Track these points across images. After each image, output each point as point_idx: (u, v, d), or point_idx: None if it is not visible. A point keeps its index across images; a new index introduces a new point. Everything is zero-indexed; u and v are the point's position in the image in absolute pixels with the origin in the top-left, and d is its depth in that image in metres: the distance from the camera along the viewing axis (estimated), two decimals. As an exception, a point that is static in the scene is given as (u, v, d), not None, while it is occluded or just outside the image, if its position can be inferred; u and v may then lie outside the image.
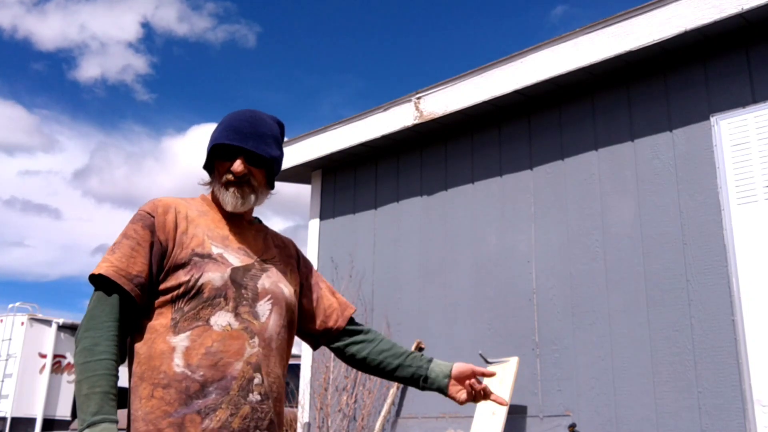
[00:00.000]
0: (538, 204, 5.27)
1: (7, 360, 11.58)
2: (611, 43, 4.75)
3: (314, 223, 6.83)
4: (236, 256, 1.75)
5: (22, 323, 11.66)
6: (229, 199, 1.77)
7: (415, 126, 5.85)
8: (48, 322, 11.90)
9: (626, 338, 4.60)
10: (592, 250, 4.89)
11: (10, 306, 12.17)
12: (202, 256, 1.70)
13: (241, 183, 1.77)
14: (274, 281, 1.79)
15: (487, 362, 5.09)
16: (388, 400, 5.64)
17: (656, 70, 4.86)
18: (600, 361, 4.68)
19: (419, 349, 5.71)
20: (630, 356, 4.56)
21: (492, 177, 5.61)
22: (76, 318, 12.33)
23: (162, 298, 1.68)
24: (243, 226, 1.85)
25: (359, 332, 1.98)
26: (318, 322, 1.94)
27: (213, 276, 1.68)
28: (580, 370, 4.76)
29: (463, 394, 1.94)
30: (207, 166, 1.86)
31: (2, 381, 11.56)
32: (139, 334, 1.68)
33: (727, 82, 4.52)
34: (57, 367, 11.81)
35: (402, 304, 5.92)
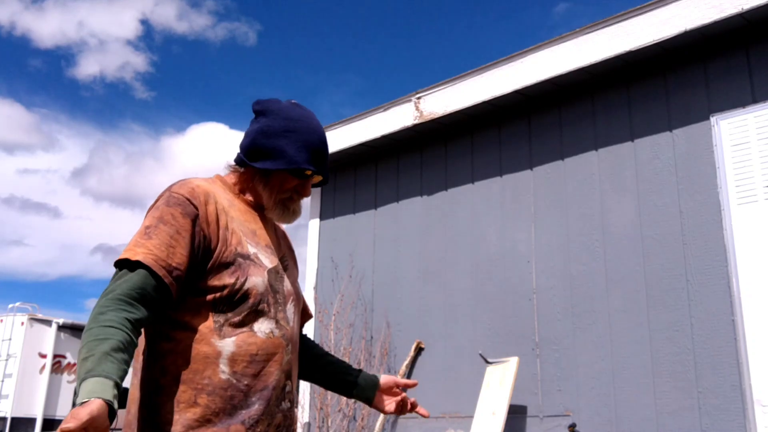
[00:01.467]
0: (538, 204, 5.27)
1: (7, 360, 11.59)
2: (611, 43, 4.75)
3: (314, 223, 6.83)
4: (266, 255, 1.67)
5: (22, 323, 11.67)
6: (286, 215, 1.73)
7: (415, 126, 5.85)
8: (48, 322, 11.90)
9: (626, 338, 4.60)
10: (592, 250, 4.89)
11: (10, 306, 12.18)
12: (243, 256, 1.60)
13: (299, 199, 1.74)
14: (292, 281, 1.75)
15: (487, 362, 5.09)
16: (388, 400, 5.64)
17: (656, 70, 4.86)
18: (600, 361, 4.68)
19: (419, 349, 5.71)
20: (630, 356, 4.56)
21: (492, 177, 5.61)
22: (76, 318, 12.33)
23: (202, 297, 1.55)
24: (263, 218, 1.75)
25: (309, 344, 1.94)
26: None
27: (257, 280, 1.60)
28: (580, 370, 4.76)
29: (391, 406, 1.91)
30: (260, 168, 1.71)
31: (2, 381, 11.56)
32: (172, 329, 1.55)
33: (727, 82, 4.52)
34: (57, 367, 11.81)
35: (402, 304, 5.92)
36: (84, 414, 1.21)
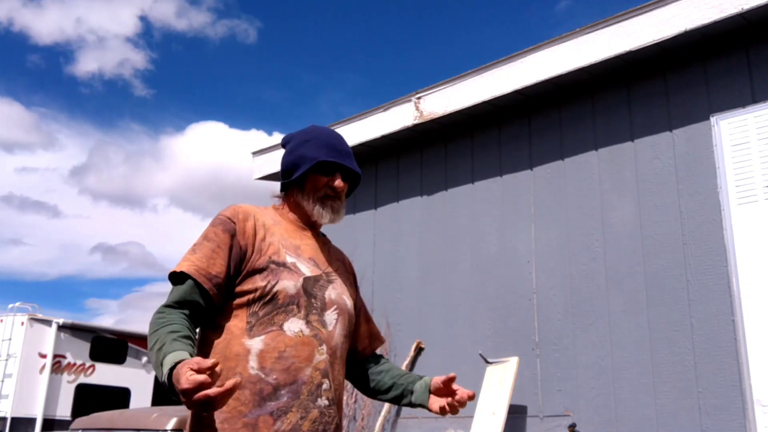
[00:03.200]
0: (538, 204, 5.27)
1: (7, 360, 11.59)
2: (611, 43, 4.75)
3: (314, 223, 6.83)
4: (307, 266, 1.83)
5: (22, 323, 11.67)
6: (327, 213, 1.90)
7: (415, 126, 5.85)
8: (48, 322, 11.90)
9: (626, 338, 4.60)
10: (592, 250, 4.89)
11: (10, 306, 12.18)
12: (278, 264, 1.77)
13: (337, 198, 1.91)
14: (339, 293, 1.89)
15: (487, 362, 5.09)
16: (388, 400, 5.64)
17: (656, 70, 4.86)
18: (600, 361, 4.68)
19: (419, 349, 5.72)
20: (630, 356, 4.56)
21: (492, 177, 5.61)
22: (76, 318, 12.33)
23: (238, 300, 1.74)
24: (313, 237, 1.95)
25: (379, 362, 2.05)
26: (352, 344, 2.02)
27: (287, 284, 1.76)
28: (580, 370, 4.76)
29: (441, 406, 1.94)
30: (293, 181, 1.91)
31: (2, 381, 11.56)
32: (214, 332, 1.74)
33: (727, 82, 4.52)
34: (57, 367, 11.81)
35: (402, 304, 5.92)
36: (185, 370, 1.38)
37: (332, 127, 6.42)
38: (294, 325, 1.74)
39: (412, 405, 1.97)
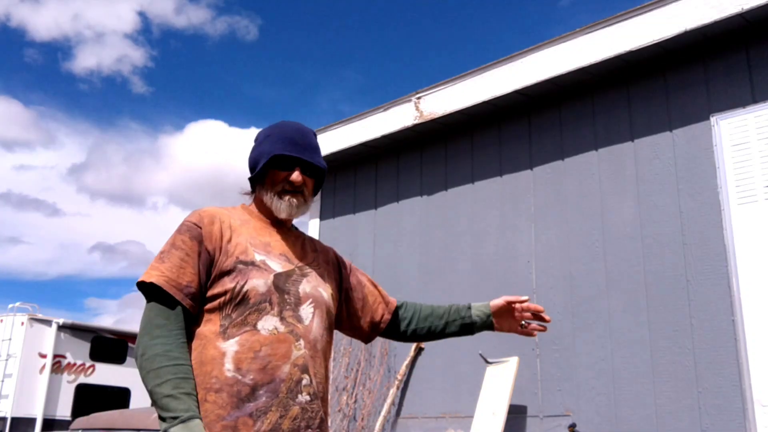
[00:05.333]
0: (538, 204, 5.27)
1: (7, 360, 11.59)
2: (611, 43, 4.75)
3: (314, 223, 6.83)
4: (278, 262, 1.81)
5: (22, 323, 11.67)
6: (285, 207, 1.86)
7: (415, 126, 5.85)
8: (48, 322, 11.90)
9: (626, 338, 4.60)
10: (592, 250, 4.89)
11: (10, 306, 12.18)
12: (245, 263, 1.76)
13: (296, 192, 1.87)
14: (314, 285, 1.86)
15: (487, 362, 5.09)
16: (388, 400, 5.65)
17: (656, 70, 4.86)
18: (600, 361, 4.68)
19: (419, 349, 5.72)
20: (630, 356, 4.56)
21: (492, 177, 5.61)
22: (76, 318, 12.32)
23: (210, 305, 1.73)
24: (283, 232, 1.92)
25: (397, 313, 2.10)
26: (367, 319, 2.05)
27: (257, 282, 1.74)
28: (580, 370, 4.76)
29: (512, 324, 2.11)
30: (255, 177, 1.90)
31: (2, 381, 11.56)
32: (190, 340, 1.73)
33: (727, 82, 4.52)
34: (57, 367, 11.81)
35: (402, 304, 5.92)
36: None
37: (332, 127, 6.42)
38: (268, 323, 1.72)
39: (474, 333, 2.11)
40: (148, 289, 1.71)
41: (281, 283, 1.78)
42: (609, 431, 4.54)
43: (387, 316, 2.06)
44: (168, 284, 1.68)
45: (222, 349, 1.68)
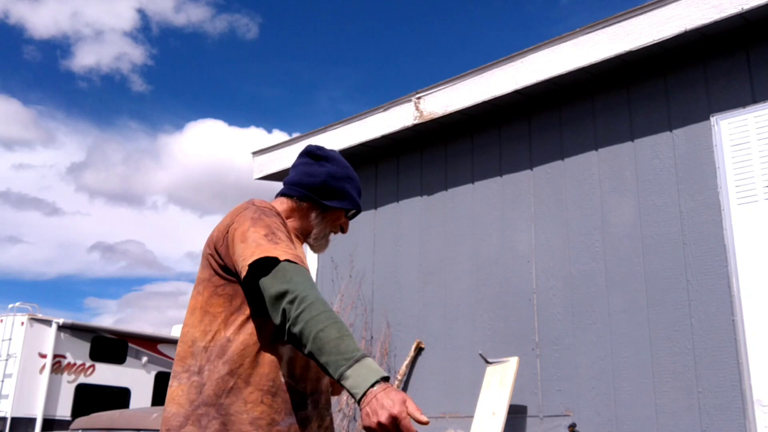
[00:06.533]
0: (538, 204, 5.27)
1: (7, 360, 11.59)
2: (611, 43, 4.75)
3: (314, 223, 6.83)
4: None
5: (22, 323, 11.67)
6: (323, 246, 1.97)
7: (415, 126, 5.85)
8: (48, 322, 11.91)
9: (626, 338, 4.60)
10: (592, 250, 4.90)
11: (10, 306, 12.18)
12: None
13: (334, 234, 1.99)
14: None
15: (487, 362, 5.09)
16: (388, 400, 5.64)
17: (656, 70, 4.86)
18: (600, 361, 4.68)
19: (419, 349, 5.72)
20: (630, 356, 4.56)
21: (492, 177, 5.61)
22: (76, 318, 12.32)
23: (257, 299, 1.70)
24: (301, 246, 1.97)
25: None
26: None
27: None
28: (580, 370, 4.76)
29: None
30: (323, 204, 1.93)
31: (2, 381, 11.57)
32: (243, 327, 1.67)
33: (727, 82, 4.52)
34: (57, 367, 11.81)
35: (402, 304, 5.92)
36: (399, 399, 1.37)
37: (332, 127, 6.43)
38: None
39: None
40: (265, 270, 1.58)
41: None
42: (609, 431, 4.54)
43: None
44: (300, 261, 1.61)
45: (279, 352, 1.67)
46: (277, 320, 1.54)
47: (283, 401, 1.64)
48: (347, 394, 5.97)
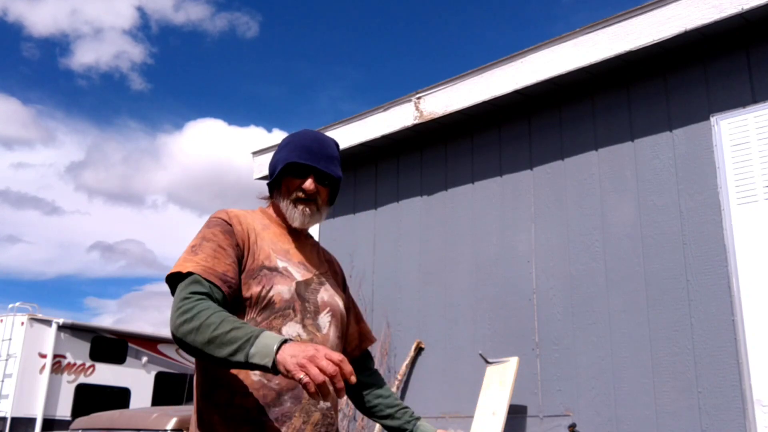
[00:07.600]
0: (538, 204, 5.27)
1: (7, 360, 11.59)
2: (611, 43, 4.75)
3: (314, 223, 6.83)
4: (297, 270, 1.83)
5: (22, 323, 11.67)
6: (298, 216, 1.86)
7: (415, 126, 5.85)
8: (48, 322, 11.91)
9: (626, 338, 4.60)
10: (592, 250, 4.90)
11: (10, 306, 12.18)
12: (270, 268, 1.76)
13: (309, 200, 1.87)
14: (331, 294, 1.88)
15: (487, 362, 5.09)
16: (388, 400, 5.64)
17: (656, 70, 4.86)
18: (600, 361, 4.68)
19: (419, 349, 5.72)
20: (630, 356, 4.56)
21: (492, 177, 5.61)
22: (76, 318, 12.33)
23: (236, 307, 1.71)
24: (299, 240, 1.93)
25: (366, 369, 2.05)
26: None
27: (282, 288, 1.74)
28: (580, 370, 4.76)
29: None
30: (272, 183, 1.91)
31: (2, 381, 11.57)
32: None
33: (727, 82, 4.52)
34: (57, 367, 11.82)
35: (402, 304, 5.92)
36: (306, 345, 1.41)
37: (332, 127, 6.42)
38: (291, 329, 1.72)
39: None
40: (179, 282, 1.64)
41: (302, 291, 1.79)
42: (609, 431, 4.54)
43: (356, 353, 2.04)
44: (206, 272, 1.63)
45: None
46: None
47: (256, 400, 1.65)
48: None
